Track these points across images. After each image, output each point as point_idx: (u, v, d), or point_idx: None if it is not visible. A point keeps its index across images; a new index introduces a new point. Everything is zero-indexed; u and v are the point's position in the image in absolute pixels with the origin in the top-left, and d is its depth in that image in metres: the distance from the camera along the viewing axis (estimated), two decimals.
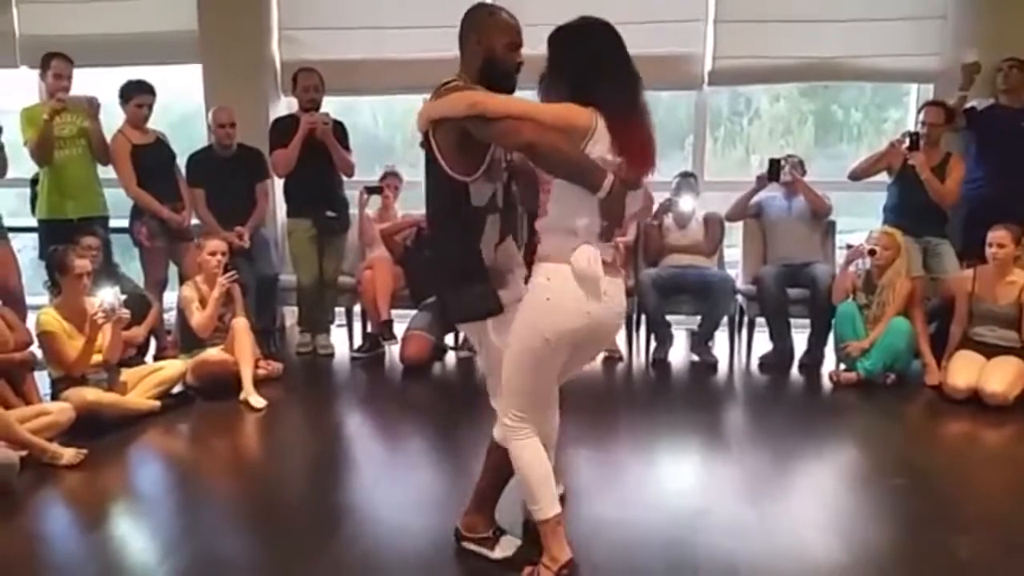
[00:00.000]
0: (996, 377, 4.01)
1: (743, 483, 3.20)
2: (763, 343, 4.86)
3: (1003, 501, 3.14)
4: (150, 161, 4.70)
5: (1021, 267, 4.26)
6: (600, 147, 2.17)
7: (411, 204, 5.48)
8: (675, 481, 3.35)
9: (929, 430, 3.98)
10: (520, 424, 2.35)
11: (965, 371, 4.11)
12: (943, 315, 4.52)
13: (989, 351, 4.18)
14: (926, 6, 5.06)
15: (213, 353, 4.20)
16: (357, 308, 5.22)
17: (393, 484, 3.23)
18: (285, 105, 5.50)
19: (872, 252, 4.42)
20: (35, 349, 3.82)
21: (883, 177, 4.93)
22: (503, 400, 2.38)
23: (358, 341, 5.13)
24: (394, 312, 4.86)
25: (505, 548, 2.55)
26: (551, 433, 2.49)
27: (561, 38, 2.28)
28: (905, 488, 3.13)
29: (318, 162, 4.82)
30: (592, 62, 2.22)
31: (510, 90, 2.35)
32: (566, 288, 2.21)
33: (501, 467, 2.48)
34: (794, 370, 4.69)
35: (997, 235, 4.18)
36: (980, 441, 3.80)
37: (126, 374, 3.94)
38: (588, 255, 2.18)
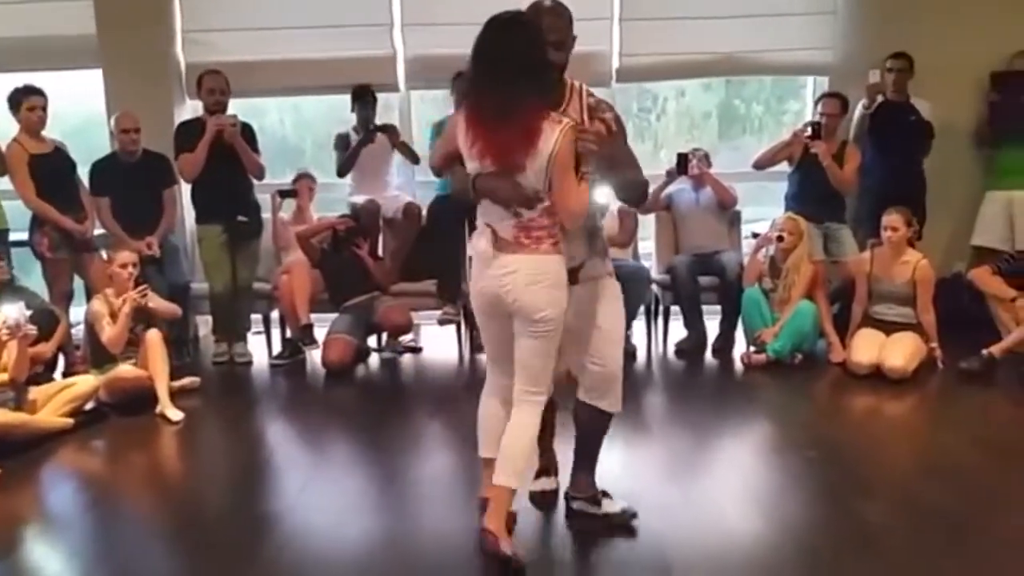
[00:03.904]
0: (896, 352, 4.24)
1: (666, 464, 3.31)
2: (678, 330, 5.01)
3: (906, 468, 3.34)
4: (49, 170, 4.51)
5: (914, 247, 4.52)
6: (463, 144, 2.42)
7: (325, 206, 5.43)
8: (601, 465, 3.40)
9: (836, 405, 4.18)
10: (488, 368, 2.67)
11: (867, 348, 4.33)
12: (845, 296, 4.75)
13: (888, 328, 4.41)
14: (817, 2, 5.30)
15: (126, 369, 4.07)
16: (275, 314, 5.14)
17: (321, 490, 3.19)
18: (190, 109, 5.36)
19: (780, 238, 4.61)
20: None
21: (784, 167, 5.14)
22: None
23: (277, 348, 5.05)
24: (314, 316, 4.81)
25: (542, 485, 2.89)
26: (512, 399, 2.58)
27: None
28: (816, 460, 3.29)
29: (227, 166, 4.73)
30: (471, 59, 2.36)
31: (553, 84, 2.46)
32: (473, 263, 2.50)
33: (578, 428, 2.75)
34: (708, 354, 4.85)
35: (890, 219, 4.41)
36: (883, 413, 4.01)
37: (35, 392, 3.78)
38: (481, 238, 2.43)
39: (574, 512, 2.77)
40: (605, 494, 2.78)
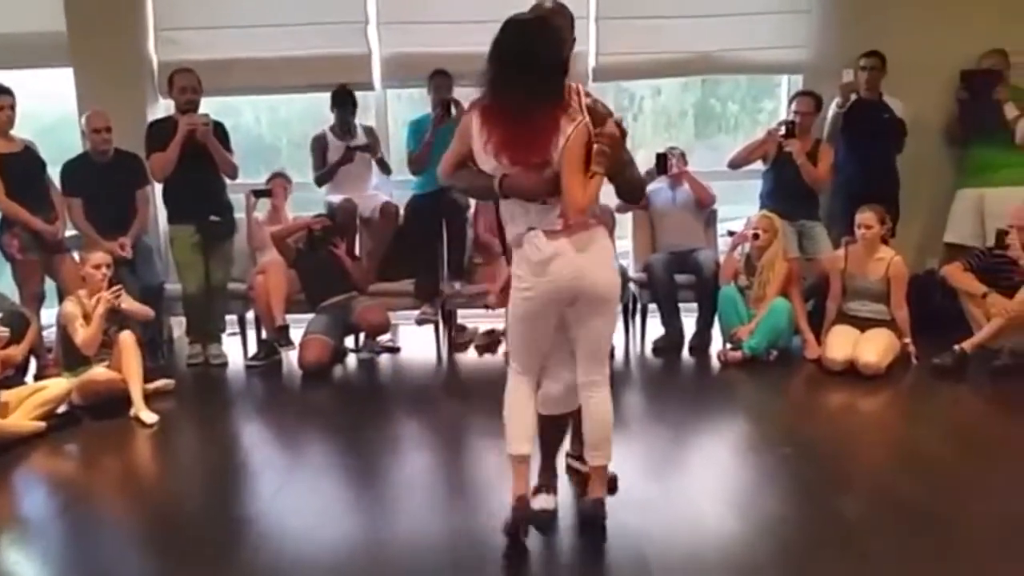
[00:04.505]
0: (870, 349, 4.28)
1: (644, 461, 3.32)
2: (655, 328, 5.03)
3: (880, 462, 3.38)
4: (18, 170, 4.44)
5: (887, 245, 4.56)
6: (476, 141, 2.43)
7: (301, 206, 5.39)
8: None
9: (811, 401, 4.22)
10: (512, 372, 2.65)
11: (841, 344, 4.37)
12: (819, 293, 4.79)
13: (862, 324, 4.45)
14: (792, 1, 5.33)
15: (99, 372, 4.02)
16: (250, 315, 5.10)
17: (297, 492, 3.16)
18: (163, 108, 5.30)
19: (756, 236, 4.64)
20: None
21: (759, 166, 5.18)
22: None
23: (253, 349, 5.01)
24: (290, 317, 4.78)
25: (542, 503, 2.76)
26: (555, 395, 2.67)
27: None
28: (792, 456, 3.31)
29: (199, 165, 4.68)
30: (488, 59, 2.40)
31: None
32: (523, 270, 2.49)
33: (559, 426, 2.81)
34: (685, 352, 4.86)
35: (864, 216, 4.46)
36: (857, 409, 4.05)
37: (6, 395, 3.71)
38: (534, 242, 2.44)
39: (568, 467, 3.02)
40: (553, 489, 2.83)
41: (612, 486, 2.86)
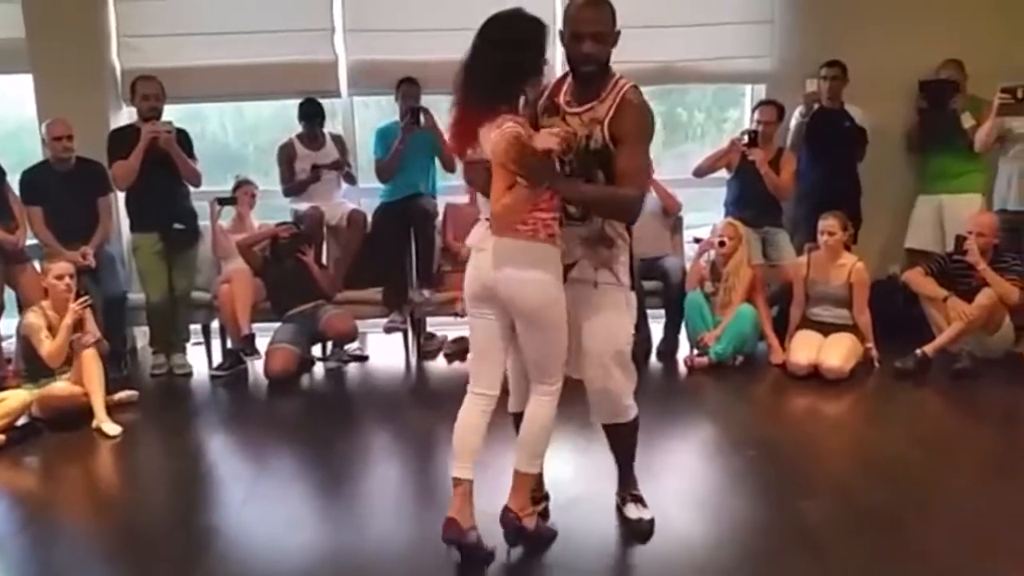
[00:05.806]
0: (833, 353, 4.34)
1: (612, 465, 3.30)
2: None
3: (843, 465, 3.42)
4: None
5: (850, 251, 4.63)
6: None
7: (267, 213, 5.35)
8: (549, 469, 3.42)
9: (776, 405, 4.26)
10: (469, 391, 2.58)
11: (805, 349, 4.43)
12: (783, 299, 4.85)
13: (826, 329, 4.52)
14: (756, 11, 5.40)
15: (60, 386, 3.94)
16: (215, 324, 5.04)
17: (263, 502, 3.14)
18: (127, 115, 5.23)
19: (721, 243, 4.69)
20: None
21: (723, 174, 5.23)
22: None
23: (218, 359, 4.95)
24: (255, 326, 4.73)
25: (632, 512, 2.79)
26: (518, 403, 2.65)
27: None
28: (757, 459, 3.35)
29: (162, 173, 4.63)
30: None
31: (579, 76, 2.54)
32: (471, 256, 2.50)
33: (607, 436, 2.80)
34: (652, 357, 4.90)
35: (827, 223, 4.53)
36: (821, 412, 4.10)
37: None
38: (478, 229, 2.47)
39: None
40: (637, 499, 2.83)
41: (648, 533, 2.73)
